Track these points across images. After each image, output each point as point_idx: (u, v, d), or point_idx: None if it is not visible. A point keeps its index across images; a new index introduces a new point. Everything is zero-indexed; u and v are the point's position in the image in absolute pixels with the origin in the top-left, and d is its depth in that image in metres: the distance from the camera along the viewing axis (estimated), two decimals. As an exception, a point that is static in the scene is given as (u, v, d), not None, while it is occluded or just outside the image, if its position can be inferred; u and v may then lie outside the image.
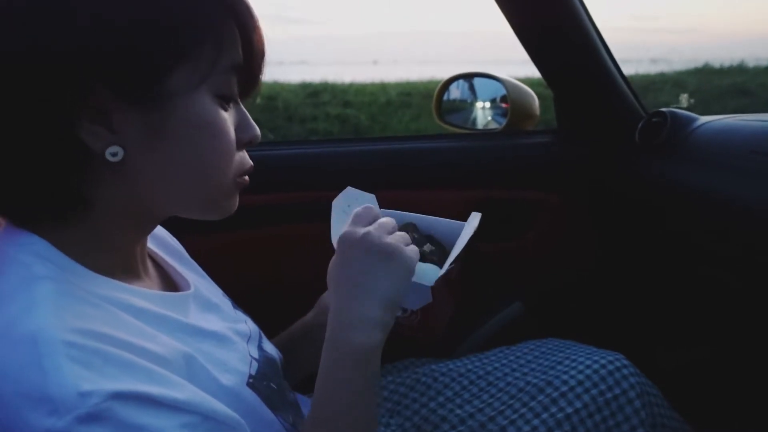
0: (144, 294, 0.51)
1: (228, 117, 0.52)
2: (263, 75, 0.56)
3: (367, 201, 0.71)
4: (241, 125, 0.55)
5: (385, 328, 0.55)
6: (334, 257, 0.58)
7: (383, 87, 7.01)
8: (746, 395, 1.12)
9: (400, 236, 0.58)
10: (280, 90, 6.49)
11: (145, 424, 0.39)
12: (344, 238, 0.57)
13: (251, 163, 0.57)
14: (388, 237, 0.56)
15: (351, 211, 0.68)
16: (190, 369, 0.48)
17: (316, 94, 6.49)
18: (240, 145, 0.54)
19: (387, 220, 0.59)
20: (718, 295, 1.15)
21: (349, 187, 0.69)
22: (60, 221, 0.49)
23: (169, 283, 0.62)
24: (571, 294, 1.29)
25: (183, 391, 0.43)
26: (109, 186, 0.49)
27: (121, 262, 0.53)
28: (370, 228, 0.56)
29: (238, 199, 0.57)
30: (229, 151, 0.52)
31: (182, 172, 0.50)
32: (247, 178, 0.57)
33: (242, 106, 0.56)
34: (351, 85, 7.10)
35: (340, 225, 0.66)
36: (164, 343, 0.47)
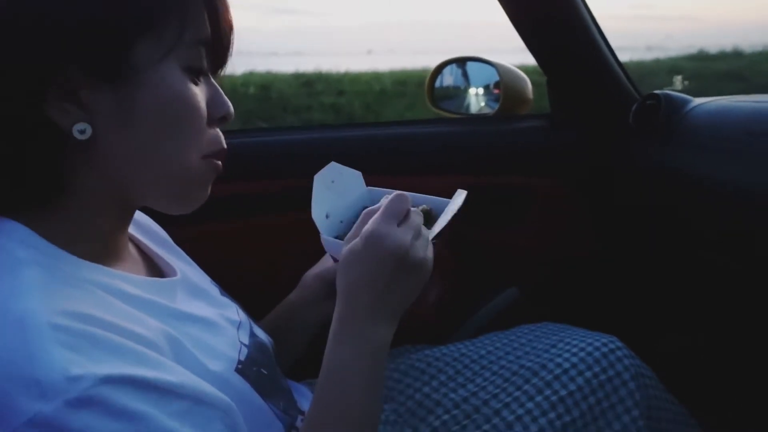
0: (131, 279, 0.51)
1: (199, 91, 0.51)
2: (232, 49, 0.55)
3: (353, 178, 0.70)
4: (213, 100, 0.53)
5: (396, 325, 0.56)
6: (355, 249, 0.55)
7: (377, 76, 6.99)
8: (742, 380, 1.12)
9: (426, 241, 0.57)
10: (273, 80, 6.46)
11: (136, 410, 0.39)
12: (377, 238, 0.54)
13: (224, 145, 0.55)
14: (420, 247, 0.55)
15: (335, 187, 0.68)
16: (177, 354, 0.47)
17: (310, 83, 6.46)
18: (212, 121, 0.53)
19: (416, 219, 0.57)
20: (715, 279, 1.15)
21: (333, 162, 0.69)
22: (39, 207, 0.48)
23: (155, 269, 0.61)
24: (566, 279, 1.28)
25: (175, 373, 0.43)
26: (85, 168, 0.48)
27: (106, 248, 0.52)
28: (408, 237, 0.54)
29: (208, 189, 0.56)
30: (200, 127, 0.51)
31: (153, 150, 0.49)
32: (220, 163, 0.55)
33: (214, 81, 0.55)
34: (345, 75, 7.07)
35: (322, 200, 0.66)
36: (151, 327, 0.46)
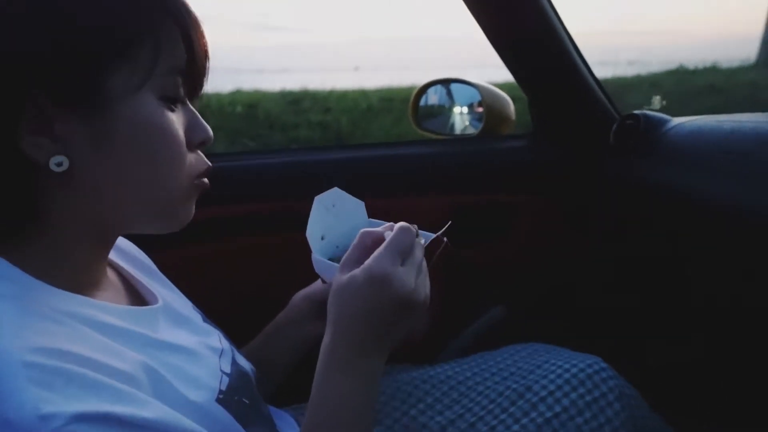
0: (109, 309, 0.50)
1: (176, 118, 0.51)
2: (208, 75, 0.55)
3: (354, 205, 0.70)
4: (191, 126, 0.54)
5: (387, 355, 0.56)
6: (355, 282, 0.53)
7: (364, 93, 7.02)
8: (729, 394, 1.13)
9: (425, 277, 0.57)
10: (260, 98, 6.47)
11: None
12: (382, 279, 0.52)
13: (208, 163, 0.56)
14: (421, 286, 0.55)
15: (335, 211, 0.68)
16: (157, 385, 0.46)
17: (297, 101, 6.47)
18: (192, 147, 0.54)
19: (419, 255, 0.57)
20: (697, 294, 1.16)
21: (336, 188, 0.69)
22: (14, 239, 0.47)
23: (137, 297, 0.60)
24: (552, 297, 1.29)
25: (151, 409, 0.42)
26: (62, 199, 0.48)
27: (85, 277, 0.52)
28: (412, 278, 0.54)
29: (194, 206, 0.56)
30: (180, 154, 0.51)
31: (133, 179, 0.49)
32: (206, 180, 0.56)
33: (191, 107, 0.55)
34: (332, 92, 7.09)
35: (319, 221, 0.66)
36: (130, 360, 0.46)
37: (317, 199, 0.66)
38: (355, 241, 0.57)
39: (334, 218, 0.68)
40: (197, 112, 0.55)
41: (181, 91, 0.52)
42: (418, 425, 0.77)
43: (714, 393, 1.14)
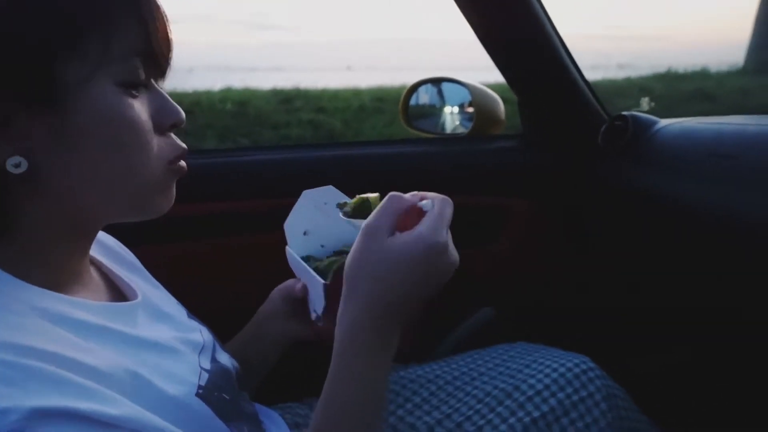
0: (85, 305, 0.49)
1: (139, 104, 0.49)
2: (171, 53, 0.52)
3: None
4: (159, 109, 0.52)
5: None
6: (413, 246, 0.50)
7: (356, 93, 7.02)
8: (718, 399, 1.14)
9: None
10: (251, 96, 6.44)
11: None
12: (444, 244, 0.50)
13: (182, 146, 0.54)
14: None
15: (326, 210, 0.66)
16: (133, 381, 0.46)
17: (288, 100, 6.45)
18: (162, 130, 0.52)
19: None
20: (684, 297, 1.17)
21: (331, 186, 0.68)
22: None
23: (118, 293, 0.60)
24: (541, 298, 1.29)
25: (119, 407, 0.41)
26: (32, 199, 0.47)
27: (63, 274, 0.51)
28: (450, 247, 0.51)
29: (174, 192, 0.54)
30: (146, 140, 0.49)
31: (101, 172, 0.48)
32: (183, 163, 0.54)
33: (159, 88, 0.53)
34: (324, 91, 7.08)
35: (304, 216, 0.64)
36: (102, 356, 0.45)
37: (306, 193, 0.64)
38: (381, 205, 0.53)
39: (323, 216, 0.66)
40: (166, 94, 0.53)
41: (141, 74, 0.49)
42: (406, 425, 0.77)
43: (701, 396, 1.15)
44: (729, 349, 1.12)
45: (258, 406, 0.66)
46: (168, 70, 0.53)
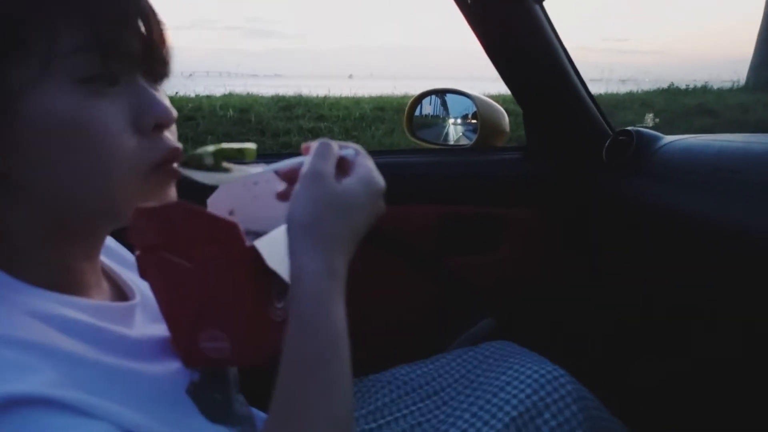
0: (78, 304, 0.48)
1: (108, 103, 0.45)
2: (141, 42, 0.47)
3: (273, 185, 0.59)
4: (139, 107, 0.47)
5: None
6: (354, 186, 0.49)
7: (357, 101, 7.03)
8: (705, 413, 1.13)
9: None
10: (252, 102, 6.44)
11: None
12: (378, 186, 0.50)
13: (174, 145, 0.49)
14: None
15: (256, 191, 0.60)
16: (117, 377, 0.45)
17: (289, 107, 6.46)
18: (144, 130, 0.47)
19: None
20: (684, 311, 1.16)
21: (272, 169, 0.56)
22: None
23: (121, 293, 0.59)
24: (540, 310, 1.29)
25: (96, 397, 0.40)
26: (10, 204, 0.46)
27: (60, 274, 0.50)
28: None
29: (170, 196, 0.50)
30: (111, 142, 0.45)
31: (67, 179, 0.45)
32: (175, 166, 0.50)
33: (143, 84, 0.48)
34: (325, 99, 7.09)
35: (230, 194, 0.57)
36: (87, 352, 0.44)
37: (237, 167, 0.54)
38: (318, 152, 0.50)
39: (250, 198, 0.59)
40: (153, 92, 0.48)
41: (99, 67, 0.44)
42: (395, 425, 0.82)
43: (698, 410, 1.14)
44: (729, 363, 1.12)
45: (256, 411, 0.66)
46: (154, 62, 0.49)
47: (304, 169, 0.49)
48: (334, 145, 0.52)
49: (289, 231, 0.47)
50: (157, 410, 0.45)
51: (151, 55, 0.48)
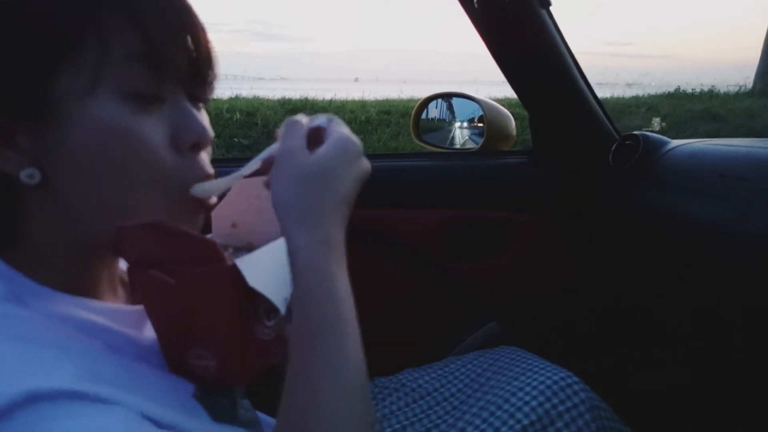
0: (93, 307, 0.49)
1: (152, 120, 0.46)
2: (199, 61, 0.48)
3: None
4: (179, 126, 0.48)
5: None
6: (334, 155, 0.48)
7: (363, 104, 7.04)
8: (714, 423, 1.13)
9: None
10: (259, 105, 6.46)
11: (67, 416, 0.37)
12: (353, 145, 0.50)
13: (207, 170, 0.50)
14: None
15: (258, 206, 0.57)
16: (130, 378, 0.45)
17: (295, 111, 6.48)
18: (181, 148, 0.48)
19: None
20: (690, 317, 1.16)
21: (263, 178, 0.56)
22: (3, 245, 0.46)
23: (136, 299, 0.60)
24: (546, 315, 1.29)
25: (112, 390, 0.40)
26: (41, 212, 0.46)
27: (79, 279, 0.50)
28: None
29: (198, 226, 0.51)
30: (152, 159, 0.46)
31: (105, 190, 0.45)
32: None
33: (186, 103, 0.49)
34: (331, 103, 7.10)
35: (235, 206, 0.56)
36: (102, 351, 0.45)
37: (244, 180, 0.53)
38: (285, 131, 0.51)
39: (254, 212, 0.58)
40: (193, 109, 0.49)
41: (148, 84, 0.45)
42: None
43: (698, 418, 1.14)
44: (736, 368, 1.11)
45: (261, 415, 0.66)
46: (199, 82, 0.49)
47: (275, 151, 0.50)
48: (303, 119, 0.52)
49: (277, 213, 0.48)
50: (171, 405, 0.46)
51: (196, 72, 0.49)
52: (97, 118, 0.43)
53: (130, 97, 0.45)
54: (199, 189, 0.50)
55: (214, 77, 0.51)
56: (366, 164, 0.52)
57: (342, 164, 0.49)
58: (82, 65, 0.43)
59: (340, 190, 0.48)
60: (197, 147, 0.49)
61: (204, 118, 0.51)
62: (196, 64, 0.48)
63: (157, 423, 0.41)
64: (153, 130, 0.46)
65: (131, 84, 0.44)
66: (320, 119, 0.53)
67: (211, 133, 0.51)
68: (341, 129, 0.52)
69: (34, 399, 0.36)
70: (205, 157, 0.51)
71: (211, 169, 0.51)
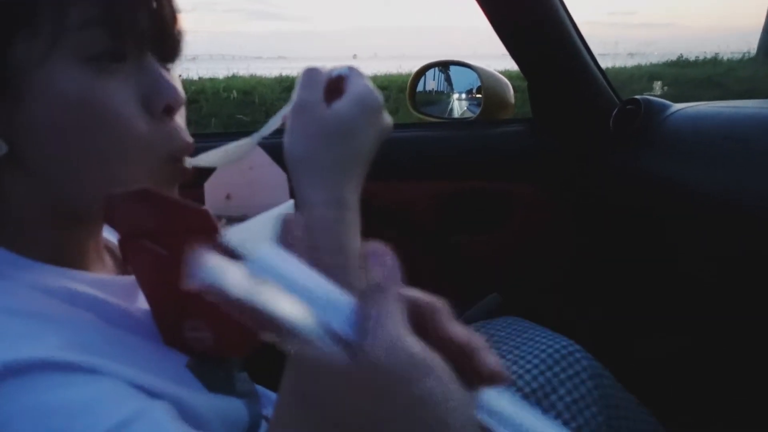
0: (81, 277, 0.47)
1: (117, 82, 0.43)
2: (146, 15, 0.45)
3: (276, 181, 0.60)
4: (148, 87, 0.45)
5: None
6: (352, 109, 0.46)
7: (362, 81, 6.97)
8: (713, 388, 1.13)
9: None
10: (256, 84, 6.41)
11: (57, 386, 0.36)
12: (374, 100, 0.47)
13: (185, 139, 0.48)
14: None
15: (252, 175, 0.58)
16: (120, 347, 0.44)
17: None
18: (154, 111, 0.46)
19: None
20: (693, 285, 1.15)
21: (260, 149, 0.56)
22: None
23: (123, 268, 0.58)
24: (548, 285, 1.28)
25: (100, 358, 0.39)
26: (16, 181, 0.45)
27: (64, 251, 0.49)
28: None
29: (175, 191, 0.49)
30: (123, 125, 0.44)
31: (80, 160, 0.44)
32: (188, 163, 0.48)
33: (153, 63, 0.46)
34: (329, 80, 7.04)
35: (227, 178, 0.55)
36: (91, 320, 0.44)
37: (226, 149, 0.52)
38: (303, 81, 0.48)
39: (247, 183, 0.57)
40: (162, 70, 0.46)
41: (109, 44, 0.43)
42: None
43: (699, 384, 1.14)
44: (734, 338, 1.11)
45: (260, 388, 0.65)
46: (163, 40, 0.47)
47: (292, 102, 0.47)
48: (322, 69, 0.49)
49: (289, 167, 0.46)
50: (162, 374, 0.45)
51: (161, 32, 0.46)
52: (56, 83, 0.42)
53: (89, 59, 0.42)
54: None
55: (180, 35, 0.49)
56: (387, 120, 0.49)
57: (361, 120, 0.46)
58: (40, 33, 0.41)
59: (358, 147, 0.46)
60: (170, 110, 0.47)
61: (175, 79, 0.49)
62: (159, 22, 0.46)
63: (148, 392, 0.40)
64: (119, 93, 0.44)
65: (89, 47, 0.42)
66: (341, 68, 0.49)
67: (182, 94, 0.48)
68: (362, 81, 0.48)
69: (22, 370, 0.35)
70: (181, 122, 0.49)
71: (190, 138, 0.49)
